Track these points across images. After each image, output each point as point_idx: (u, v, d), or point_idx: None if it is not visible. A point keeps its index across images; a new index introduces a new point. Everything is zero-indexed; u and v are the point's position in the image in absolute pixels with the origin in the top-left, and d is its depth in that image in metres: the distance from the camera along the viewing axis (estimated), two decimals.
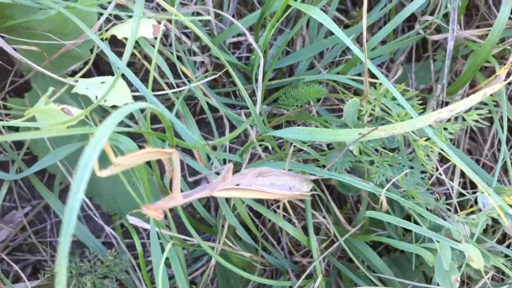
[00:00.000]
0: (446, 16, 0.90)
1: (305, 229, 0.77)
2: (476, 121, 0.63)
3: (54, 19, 0.71)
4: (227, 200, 0.74)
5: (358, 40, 0.91)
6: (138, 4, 0.65)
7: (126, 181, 0.88)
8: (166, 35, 0.88)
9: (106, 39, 0.71)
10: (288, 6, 0.75)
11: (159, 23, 0.68)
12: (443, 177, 0.63)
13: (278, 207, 0.76)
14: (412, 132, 0.62)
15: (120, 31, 0.69)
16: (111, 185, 0.89)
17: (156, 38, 0.68)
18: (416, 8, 0.76)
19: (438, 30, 0.91)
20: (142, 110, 0.71)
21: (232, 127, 0.87)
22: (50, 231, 0.88)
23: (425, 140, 0.60)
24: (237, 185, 0.56)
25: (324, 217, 0.80)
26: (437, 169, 0.69)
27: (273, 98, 0.86)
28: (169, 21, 0.81)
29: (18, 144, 0.86)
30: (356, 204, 0.89)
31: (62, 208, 0.82)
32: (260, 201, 0.72)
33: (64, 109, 0.55)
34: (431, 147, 0.60)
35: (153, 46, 0.76)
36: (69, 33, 0.74)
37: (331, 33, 0.90)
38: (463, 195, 0.73)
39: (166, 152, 0.49)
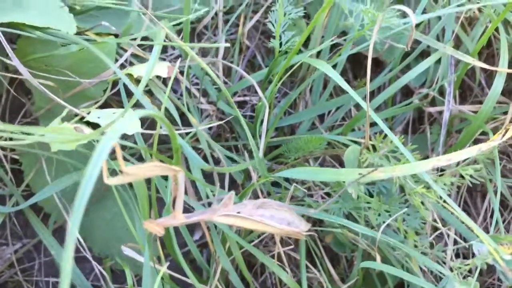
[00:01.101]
0: (441, 94, 0.95)
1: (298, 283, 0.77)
2: (471, 176, 0.65)
3: (74, 56, 0.75)
4: (223, 242, 0.74)
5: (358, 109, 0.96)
6: (156, 47, 0.70)
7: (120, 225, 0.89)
8: (175, 90, 0.92)
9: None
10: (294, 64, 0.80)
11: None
12: (439, 225, 0.64)
13: (273, 256, 0.76)
14: (408, 181, 0.64)
15: (136, 71, 0.73)
16: (105, 228, 0.89)
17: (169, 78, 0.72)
18: (414, 75, 0.81)
19: (435, 105, 0.96)
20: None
21: (232, 182, 0.88)
22: (37, 270, 0.87)
23: (422, 188, 0.62)
24: (238, 213, 0.57)
25: (318, 271, 0.80)
26: (434, 220, 0.70)
27: (274, 155, 0.88)
28: (181, 73, 0.86)
29: (18, 181, 0.87)
30: (350, 266, 0.88)
31: (54, 244, 0.81)
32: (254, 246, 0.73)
33: (77, 128, 0.57)
34: (428, 196, 0.62)
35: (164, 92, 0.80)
36: (86, 72, 0.78)
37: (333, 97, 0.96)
38: (457, 244, 0.74)
39: (173, 169, 0.51)
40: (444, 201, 0.59)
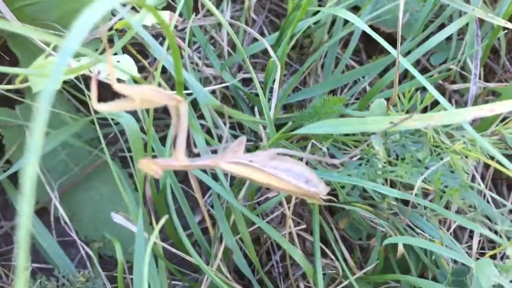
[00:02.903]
0: (462, 77, 0.88)
1: None
2: None
3: (63, 7, 0.67)
4: (228, 219, 0.66)
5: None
6: None
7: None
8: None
9: (117, 30, 0.67)
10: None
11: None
12: (482, 187, 0.55)
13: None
14: (443, 138, 0.56)
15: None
16: (93, 210, 0.80)
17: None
18: (435, 43, 0.74)
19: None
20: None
21: None
22: (16, 255, 0.77)
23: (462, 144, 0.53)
24: (250, 162, 0.48)
25: (331, 259, 0.71)
26: (472, 178, 0.61)
27: (284, 137, 0.80)
28: (182, 40, 0.78)
29: None
30: (365, 256, 0.79)
31: (35, 222, 0.72)
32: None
33: None
34: (469, 155, 0.53)
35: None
36: None
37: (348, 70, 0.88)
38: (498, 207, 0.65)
39: (175, 99, 0.43)
40: (493, 159, 0.51)
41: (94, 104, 0.40)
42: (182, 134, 0.43)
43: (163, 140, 0.67)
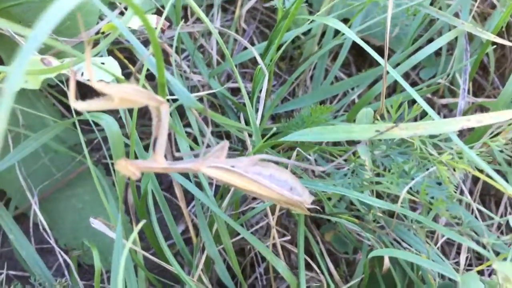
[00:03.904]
0: (451, 92, 0.88)
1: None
2: (501, 151, 0.57)
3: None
4: (210, 226, 0.64)
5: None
6: None
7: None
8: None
9: (103, 33, 0.66)
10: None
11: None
12: (470, 200, 0.54)
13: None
14: (430, 149, 0.55)
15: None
16: (74, 218, 0.78)
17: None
18: (425, 55, 0.74)
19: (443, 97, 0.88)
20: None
21: None
22: None
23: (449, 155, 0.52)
24: (232, 167, 0.47)
25: (315, 272, 0.69)
26: (460, 192, 0.60)
27: (269, 145, 0.79)
28: (169, 46, 0.77)
29: None
30: (350, 270, 0.78)
31: (13, 227, 0.70)
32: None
33: (44, 59, 0.48)
34: (455, 166, 0.52)
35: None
36: (64, 31, 0.69)
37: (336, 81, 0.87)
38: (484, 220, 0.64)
39: (156, 99, 0.42)
40: (478, 170, 0.50)
41: (72, 102, 0.39)
42: (163, 136, 0.42)
43: (148, 148, 0.66)
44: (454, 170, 0.54)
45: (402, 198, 0.51)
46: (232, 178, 0.47)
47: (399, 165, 0.52)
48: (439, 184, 0.53)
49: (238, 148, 0.80)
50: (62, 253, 0.69)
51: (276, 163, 0.50)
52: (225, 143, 0.47)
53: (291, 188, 0.50)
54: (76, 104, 0.39)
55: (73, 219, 0.78)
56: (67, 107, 0.82)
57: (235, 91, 0.88)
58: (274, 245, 0.66)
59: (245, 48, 0.79)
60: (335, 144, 0.68)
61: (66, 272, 0.70)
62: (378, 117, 0.56)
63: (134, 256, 0.61)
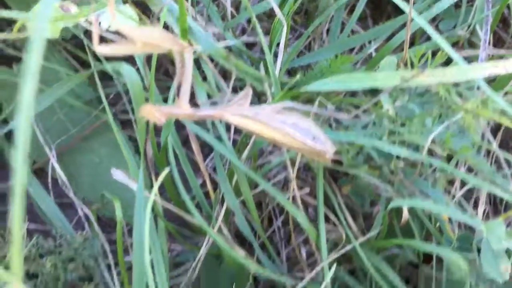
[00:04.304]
0: (471, 44, 0.86)
1: None
2: None
3: None
4: (230, 180, 0.64)
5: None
6: None
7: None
8: None
9: None
10: None
11: None
12: (494, 146, 0.54)
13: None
14: (454, 96, 0.54)
15: None
16: (92, 172, 0.78)
17: None
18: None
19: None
20: None
21: None
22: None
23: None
24: (255, 114, 0.46)
25: (333, 224, 0.70)
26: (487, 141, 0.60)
27: (290, 95, 0.78)
28: None
29: None
30: (368, 223, 0.78)
31: (33, 181, 0.70)
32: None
33: (63, 6, 0.47)
34: (481, 115, 0.52)
35: None
36: None
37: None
38: None
39: (180, 43, 0.41)
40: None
41: (95, 45, 0.38)
42: (187, 82, 0.42)
43: (166, 101, 0.65)
44: (478, 119, 0.53)
45: (427, 146, 0.50)
46: (257, 126, 0.46)
47: (422, 114, 0.52)
48: (463, 133, 0.52)
49: (255, 102, 0.79)
50: (82, 207, 0.70)
51: (299, 112, 0.49)
52: (249, 90, 0.46)
53: (314, 137, 0.49)
54: (99, 48, 0.38)
55: (91, 174, 0.78)
56: (81, 62, 0.81)
57: (250, 46, 0.87)
58: (293, 198, 0.66)
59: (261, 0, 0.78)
60: (353, 95, 0.67)
61: (86, 225, 0.71)
62: (402, 64, 0.55)
63: (154, 206, 0.61)
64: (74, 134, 0.78)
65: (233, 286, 0.70)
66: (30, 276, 0.62)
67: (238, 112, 0.45)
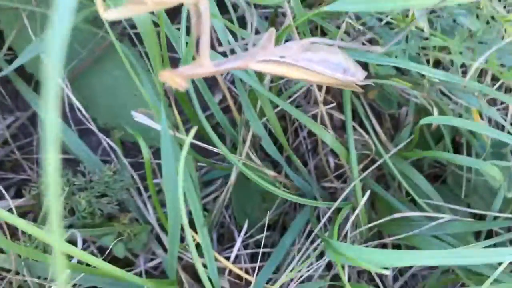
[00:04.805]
0: None
1: None
2: None
3: None
4: (254, 103, 0.62)
5: None
6: None
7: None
8: None
9: None
10: None
11: None
12: None
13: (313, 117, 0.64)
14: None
15: None
16: (108, 95, 0.76)
17: None
18: None
19: None
20: None
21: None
22: (36, 146, 0.75)
23: None
24: (282, 57, 0.43)
25: (359, 134, 0.68)
26: None
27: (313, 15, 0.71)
28: None
29: None
30: (395, 126, 0.76)
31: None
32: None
33: None
34: None
35: None
36: None
37: None
38: None
39: None
40: None
41: (101, 11, 0.34)
42: (206, 35, 0.38)
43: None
44: None
45: (475, 68, 0.46)
46: (284, 69, 0.43)
47: (462, 30, 0.47)
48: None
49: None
50: (105, 138, 0.68)
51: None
52: (272, 31, 0.42)
53: (344, 69, 0.46)
54: (106, 14, 0.34)
55: (107, 97, 0.75)
56: None
57: None
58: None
59: None
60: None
61: (111, 154, 0.70)
62: None
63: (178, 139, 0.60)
64: (84, 57, 0.74)
65: (264, 202, 0.71)
66: (66, 214, 0.64)
67: (263, 57, 0.42)
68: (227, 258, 0.67)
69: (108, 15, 0.34)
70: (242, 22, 0.67)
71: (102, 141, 0.69)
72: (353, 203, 0.64)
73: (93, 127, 0.69)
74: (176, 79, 0.37)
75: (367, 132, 0.68)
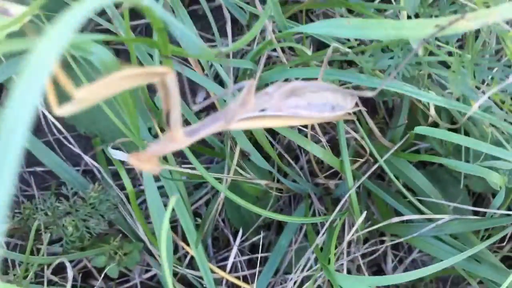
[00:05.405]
0: None
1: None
2: None
3: None
4: None
5: None
6: None
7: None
8: None
9: None
10: None
11: None
12: None
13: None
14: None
15: None
16: None
17: None
18: None
19: None
20: (117, 6, 0.51)
21: (234, 22, 0.67)
22: None
23: None
24: (263, 110, 0.39)
25: (355, 131, 0.65)
26: None
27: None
28: None
29: None
30: (390, 113, 0.73)
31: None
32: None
33: (0, 8, 0.36)
34: None
35: None
36: None
37: None
38: None
39: (158, 73, 0.32)
40: None
41: (55, 109, 0.30)
42: (176, 110, 0.34)
43: None
44: None
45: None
46: (269, 122, 0.39)
47: (462, 57, 0.43)
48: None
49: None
50: (88, 158, 0.65)
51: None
52: (251, 82, 0.38)
53: (333, 107, 0.42)
54: (60, 111, 0.30)
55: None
56: None
57: None
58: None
59: None
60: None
61: (95, 171, 0.67)
62: None
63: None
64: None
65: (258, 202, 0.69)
66: (53, 241, 0.62)
67: (243, 116, 0.38)
68: (224, 267, 0.66)
69: (61, 111, 0.30)
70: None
71: (86, 160, 0.65)
72: (349, 211, 0.61)
73: (77, 150, 0.65)
74: (149, 162, 0.34)
75: (361, 124, 0.64)
